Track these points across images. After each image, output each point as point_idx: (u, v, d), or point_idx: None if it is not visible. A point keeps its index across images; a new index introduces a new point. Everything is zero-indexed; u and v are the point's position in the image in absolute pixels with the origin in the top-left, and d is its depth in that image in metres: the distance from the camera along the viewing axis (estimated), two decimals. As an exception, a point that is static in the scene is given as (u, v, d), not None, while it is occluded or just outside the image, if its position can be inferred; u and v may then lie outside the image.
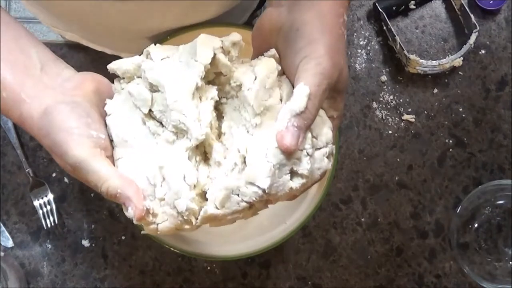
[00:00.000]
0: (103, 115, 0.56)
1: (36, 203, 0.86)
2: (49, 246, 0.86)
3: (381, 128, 0.89)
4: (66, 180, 0.87)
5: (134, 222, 0.51)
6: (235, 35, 0.54)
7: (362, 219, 0.87)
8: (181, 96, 0.52)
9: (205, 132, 0.52)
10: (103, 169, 0.51)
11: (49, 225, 0.86)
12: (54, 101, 0.53)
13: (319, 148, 0.52)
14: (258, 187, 0.50)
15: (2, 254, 0.84)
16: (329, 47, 0.51)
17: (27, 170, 0.86)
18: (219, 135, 0.54)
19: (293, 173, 0.51)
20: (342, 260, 0.87)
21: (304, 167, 0.51)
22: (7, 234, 0.86)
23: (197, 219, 0.52)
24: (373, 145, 0.88)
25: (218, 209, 0.51)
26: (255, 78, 0.51)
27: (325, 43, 0.51)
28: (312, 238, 0.87)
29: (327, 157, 0.53)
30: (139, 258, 0.86)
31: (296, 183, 0.51)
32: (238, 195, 0.51)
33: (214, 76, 0.55)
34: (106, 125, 0.55)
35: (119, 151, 0.54)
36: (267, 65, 0.52)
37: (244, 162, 0.51)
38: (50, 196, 0.86)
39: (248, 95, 0.51)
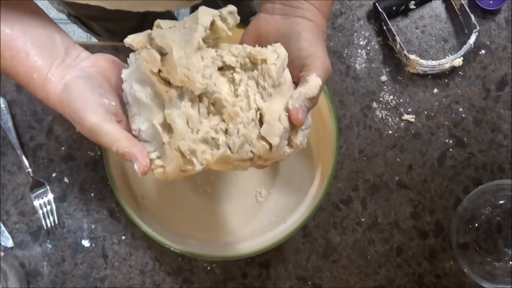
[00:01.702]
0: (116, 87, 0.64)
1: (36, 203, 0.86)
2: (49, 246, 0.86)
3: (381, 128, 0.89)
4: (66, 180, 0.87)
5: (139, 175, 0.59)
6: (231, 7, 0.62)
7: (362, 219, 0.87)
8: (185, 53, 0.59)
9: (206, 82, 0.59)
10: (114, 131, 0.60)
11: (49, 225, 0.86)
12: (72, 76, 0.61)
13: (306, 129, 0.64)
14: (268, 142, 0.60)
15: (2, 254, 0.84)
16: (324, 51, 0.63)
17: (27, 170, 0.86)
18: (236, 95, 0.62)
19: (288, 141, 0.62)
20: (342, 260, 0.87)
21: (298, 138, 0.62)
22: (7, 234, 0.86)
23: (201, 163, 0.60)
24: (373, 145, 0.88)
25: (232, 153, 0.60)
26: (278, 57, 0.61)
27: (322, 47, 0.63)
28: (312, 238, 0.87)
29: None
30: (139, 258, 0.86)
31: (288, 150, 0.62)
32: (249, 145, 0.60)
33: (213, 42, 0.63)
34: (118, 94, 0.64)
35: (133, 109, 0.63)
36: (284, 50, 0.63)
37: (260, 120, 0.60)
38: (50, 196, 0.86)
39: (272, 69, 0.60)
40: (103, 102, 0.61)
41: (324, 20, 0.66)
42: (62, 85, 0.61)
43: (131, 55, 0.65)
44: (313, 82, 0.60)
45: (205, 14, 0.61)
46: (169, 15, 1.29)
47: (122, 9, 0.82)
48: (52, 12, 1.03)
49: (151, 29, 0.63)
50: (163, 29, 0.61)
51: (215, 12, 0.62)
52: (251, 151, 0.60)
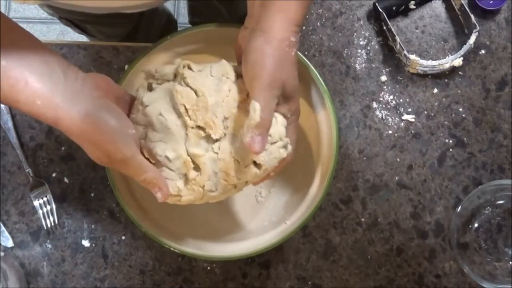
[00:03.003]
0: (121, 108, 0.67)
1: (36, 203, 0.86)
2: (49, 246, 0.86)
3: (381, 128, 0.89)
4: (66, 180, 0.87)
5: (159, 201, 0.66)
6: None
7: (362, 219, 0.87)
8: (216, 101, 0.67)
9: (225, 131, 0.68)
10: (143, 163, 0.65)
11: (49, 225, 0.86)
12: (91, 106, 0.62)
13: (274, 143, 0.68)
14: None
15: (2, 254, 0.84)
16: (269, 67, 0.64)
17: (27, 170, 0.86)
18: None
19: (255, 163, 0.69)
20: (342, 260, 0.87)
21: (262, 158, 0.68)
22: (7, 234, 0.86)
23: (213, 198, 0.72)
24: (373, 145, 0.88)
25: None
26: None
27: (264, 65, 0.64)
28: (312, 238, 0.87)
29: (283, 148, 0.69)
30: (139, 258, 0.86)
31: (260, 170, 0.69)
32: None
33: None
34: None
35: (158, 135, 0.68)
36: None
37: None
38: (50, 196, 0.86)
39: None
40: (129, 133, 0.64)
41: (290, 25, 0.66)
42: (81, 115, 0.61)
43: (146, 81, 0.71)
44: (252, 110, 0.63)
45: (232, 69, 0.70)
46: (166, 15, 1.29)
47: (105, 11, 0.82)
48: (45, 13, 1.03)
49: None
50: (194, 72, 0.69)
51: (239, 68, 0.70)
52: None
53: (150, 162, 0.69)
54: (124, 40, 1.08)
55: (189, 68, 0.70)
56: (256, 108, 0.63)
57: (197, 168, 0.69)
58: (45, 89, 0.60)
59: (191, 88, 0.68)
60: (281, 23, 0.65)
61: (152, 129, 0.69)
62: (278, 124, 0.68)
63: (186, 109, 0.68)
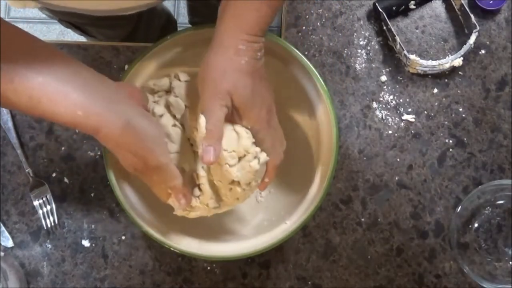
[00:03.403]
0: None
1: (36, 203, 0.86)
2: (49, 246, 0.86)
3: (381, 128, 0.89)
4: (66, 180, 0.87)
5: (181, 208, 0.71)
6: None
7: (362, 219, 0.87)
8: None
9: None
10: (174, 171, 0.67)
11: (49, 225, 0.86)
12: (131, 115, 0.64)
13: (242, 157, 0.69)
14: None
15: (2, 254, 0.84)
16: (211, 78, 0.65)
17: (27, 170, 0.86)
18: None
19: (234, 182, 0.70)
20: (342, 260, 0.87)
21: (235, 175, 0.69)
22: (7, 234, 0.86)
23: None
24: (373, 145, 0.88)
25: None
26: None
27: (207, 77, 0.65)
28: (312, 238, 0.87)
29: (255, 159, 0.69)
30: (139, 258, 0.86)
31: (241, 187, 0.71)
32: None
33: None
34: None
35: (175, 146, 0.72)
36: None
37: None
38: (50, 196, 0.86)
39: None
40: (164, 141, 0.68)
41: (240, 33, 0.65)
42: (123, 123, 0.62)
43: (150, 95, 0.74)
44: (198, 124, 0.66)
45: None
46: (166, 15, 1.29)
47: (104, 13, 0.82)
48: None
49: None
50: (181, 82, 0.74)
51: None
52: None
53: None
54: (124, 41, 1.08)
55: (177, 78, 0.74)
56: (200, 121, 0.66)
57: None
58: (84, 100, 0.61)
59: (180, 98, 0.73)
60: (230, 30, 0.65)
61: (169, 140, 0.72)
62: (242, 139, 0.69)
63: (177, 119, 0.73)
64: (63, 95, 0.60)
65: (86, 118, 0.61)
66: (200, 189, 0.74)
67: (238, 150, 0.69)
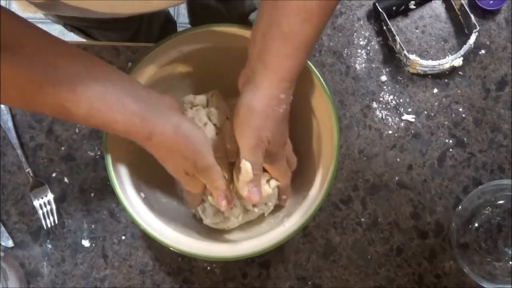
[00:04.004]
0: None
1: (36, 203, 0.86)
2: (49, 246, 0.86)
3: (381, 128, 0.89)
4: (66, 180, 0.87)
5: (222, 209, 0.74)
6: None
7: (362, 219, 0.87)
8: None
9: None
10: (219, 171, 0.71)
11: (49, 225, 0.86)
12: (180, 120, 0.67)
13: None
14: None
15: (2, 254, 0.84)
16: (255, 126, 0.67)
17: (27, 170, 0.86)
18: None
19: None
20: (342, 260, 0.87)
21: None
22: (7, 234, 0.86)
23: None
24: (373, 145, 0.88)
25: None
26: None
27: (250, 124, 0.67)
28: (312, 238, 0.87)
29: (266, 183, 0.76)
30: (139, 258, 0.86)
31: (259, 207, 0.80)
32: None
33: None
34: None
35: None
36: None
37: None
38: (50, 196, 0.86)
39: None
40: (210, 144, 0.70)
41: (281, 82, 0.66)
42: (175, 128, 0.66)
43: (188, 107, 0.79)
44: (243, 170, 0.70)
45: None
46: (164, 15, 1.29)
47: (117, 16, 0.82)
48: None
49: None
50: (218, 97, 0.79)
51: None
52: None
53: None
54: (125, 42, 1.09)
55: (216, 94, 0.80)
56: (247, 168, 0.69)
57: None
58: (140, 108, 0.64)
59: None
60: (272, 80, 0.66)
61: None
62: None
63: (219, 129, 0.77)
64: (121, 104, 0.63)
65: (142, 125, 0.64)
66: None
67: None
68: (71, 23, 1.02)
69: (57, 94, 0.60)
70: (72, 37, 1.11)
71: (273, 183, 0.77)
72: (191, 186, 0.73)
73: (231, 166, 0.79)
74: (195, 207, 0.80)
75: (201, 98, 0.79)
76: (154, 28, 1.20)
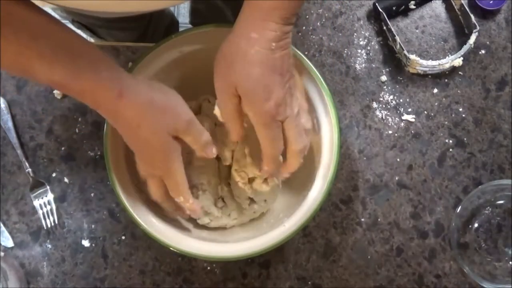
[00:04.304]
0: None
1: (36, 203, 0.86)
2: (49, 246, 0.86)
3: (381, 128, 0.89)
4: (66, 180, 0.87)
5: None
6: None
7: (362, 219, 0.87)
8: None
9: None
10: (201, 126, 0.67)
11: (49, 225, 0.86)
12: (151, 81, 0.65)
13: (253, 179, 0.78)
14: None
15: (2, 254, 0.84)
16: (219, 70, 0.65)
17: (27, 170, 0.86)
18: None
19: (250, 199, 0.80)
20: (342, 260, 0.87)
21: (249, 193, 0.79)
22: (7, 234, 0.86)
23: None
24: (373, 145, 0.88)
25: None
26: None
27: (216, 70, 0.66)
28: (312, 238, 0.87)
29: (264, 182, 0.78)
30: (139, 258, 0.86)
31: (258, 204, 0.81)
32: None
33: None
34: None
35: (202, 161, 0.77)
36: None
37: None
38: (50, 196, 0.86)
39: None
40: (185, 104, 0.67)
41: (254, 20, 0.62)
42: (147, 85, 0.64)
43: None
44: (216, 113, 0.69)
45: None
46: (170, 17, 1.29)
47: (124, 14, 0.82)
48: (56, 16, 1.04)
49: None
50: (210, 103, 0.79)
51: None
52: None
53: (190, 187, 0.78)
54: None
55: (207, 100, 0.80)
56: (215, 113, 0.69)
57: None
58: (108, 67, 0.61)
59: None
60: (244, 21, 0.62)
61: (195, 156, 0.74)
62: (251, 165, 0.76)
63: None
64: (88, 63, 0.61)
65: (112, 81, 0.60)
66: (223, 201, 0.80)
67: (247, 171, 0.76)
68: (79, 20, 1.02)
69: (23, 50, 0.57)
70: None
71: (271, 181, 0.77)
72: (184, 137, 0.67)
73: (222, 171, 0.81)
74: (175, 214, 0.76)
75: (191, 105, 0.77)
76: (160, 30, 1.20)
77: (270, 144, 0.67)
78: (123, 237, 0.86)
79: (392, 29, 0.88)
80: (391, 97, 0.89)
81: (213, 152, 0.69)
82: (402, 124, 0.89)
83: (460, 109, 0.89)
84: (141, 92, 0.62)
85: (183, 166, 0.67)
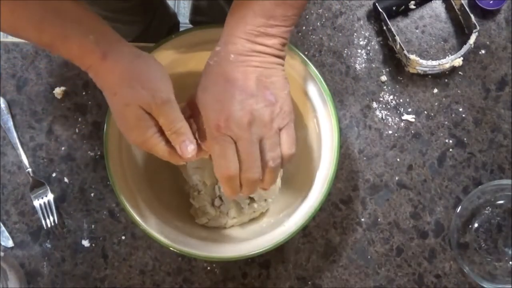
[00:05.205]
0: None
1: (36, 203, 0.86)
2: (49, 246, 0.86)
3: (381, 128, 0.89)
4: (66, 180, 0.87)
5: (189, 156, 0.63)
6: None
7: (362, 219, 0.87)
8: None
9: None
10: (180, 114, 0.63)
11: (49, 225, 0.86)
12: (139, 50, 0.63)
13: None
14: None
15: (2, 254, 0.84)
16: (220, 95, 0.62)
17: (27, 170, 0.86)
18: None
19: (250, 198, 0.81)
20: (342, 260, 0.87)
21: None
22: (7, 234, 0.86)
23: None
24: (373, 145, 0.88)
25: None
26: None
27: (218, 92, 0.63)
28: (312, 238, 0.87)
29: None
30: (139, 258, 0.86)
31: (257, 203, 0.82)
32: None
33: None
34: None
35: (196, 162, 0.80)
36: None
37: None
38: (50, 196, 0.86)
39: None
40: (170, 80, 0.64)
41: (224, 36, 0.62)
42: (133, 53, 0.62)
43: None
44: None
45: None
46: (173, 17, 1.30)
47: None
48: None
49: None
50: None
51: None
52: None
53: (187, 188, 0.82)
54: (134, 41, 1.09)
55: None
56: None
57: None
58: (96, 27, 0.61)
59: None
60: (221, 34, 0.63)
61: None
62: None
63: None
64: (77, 22, 0.60)
65: (98, 42, 0.59)
66: (221, 199, 0.80)
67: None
68: None
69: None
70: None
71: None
72: (149, 135, 0.63)
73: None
74: (177, 161, 0.68)
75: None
76: (163, 29, 1.20)
77: (217, 161, 0.63)
78: (123, 237, 0.86)
79: (392, 29, 0.88)
80: (391, 97, 0.89)
81: (188, 151, 0.63)
82: (402, 124, 0.89)
83: (460, 109, 0.89)
84: (124, 58, 0.61)
85: (162, 141, 0.63)
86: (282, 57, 0.64)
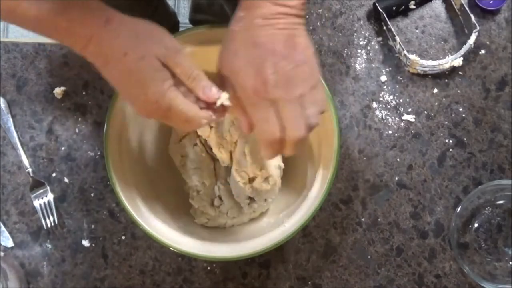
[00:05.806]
0: None
1: (36, 203, 0.86)
2: (49, 246, 0.86)
3: (381, 128, 0.89)
4: (66, 180, 0.87)
5: (222, 100, 0.62)
6: None
7: (362, 219, 0.87)
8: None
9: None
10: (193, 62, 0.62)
11: (49, 225, 0.86)
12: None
13: (253, 179, 0.79)
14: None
15: (2, 254, 0.84)
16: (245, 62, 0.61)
17: (27, 170, 0.86)
18: None
19: (250, 198, 0.81)
20: (342, 260, 0.87)
21: (249, 192, 0.80)
22: (7, 234, 0.86)
23: None
24: (373, 145, 0.88)
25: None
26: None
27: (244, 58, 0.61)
28: (312, 238, 0.87)
29: (265, 181, 0.79)
30: (139, 258, 0.86)
31: (258, 203, 0.82)
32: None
33: None
34: None
35: (195, 163, 0.82)
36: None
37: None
38: (50, 196, 0.86)
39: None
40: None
41: (242, 4, 0.61)
42: (136, 20, 0.61)
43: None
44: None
45: None
46: (173, 17, 1.30)
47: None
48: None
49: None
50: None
51: None
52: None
53: (186, 188, 0.83)
54: None
55: None
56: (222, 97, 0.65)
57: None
58: (101, 3, 0.60)
59: None
60: (239, 3, 0.61)
61: (189, 159, 0.79)
62: (251, 164, 0.77)
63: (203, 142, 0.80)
64: None
65: (99, 8, 0.59)
66: (221, 199, 0.80)
67: (247, 171, 0.77)
68: None
69: None
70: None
71: (272, 180, 0.77)
72: (169, 94, 0.61)
73: (218, 171, 0.82)
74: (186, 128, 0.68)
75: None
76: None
77: (260, 126, 0.62)
78: (123, 237, 0.86)
79: (392, 29, 0.88)
80: (391, 97, 0.89)
81: (214, 92, 0.62)
82: (402, 124, 0.89)
83: (460, 109, 0.89)
84: (127, 21, 0.60)
85: (180, 94, 0.62)
86: (304, 17, 0.64)
